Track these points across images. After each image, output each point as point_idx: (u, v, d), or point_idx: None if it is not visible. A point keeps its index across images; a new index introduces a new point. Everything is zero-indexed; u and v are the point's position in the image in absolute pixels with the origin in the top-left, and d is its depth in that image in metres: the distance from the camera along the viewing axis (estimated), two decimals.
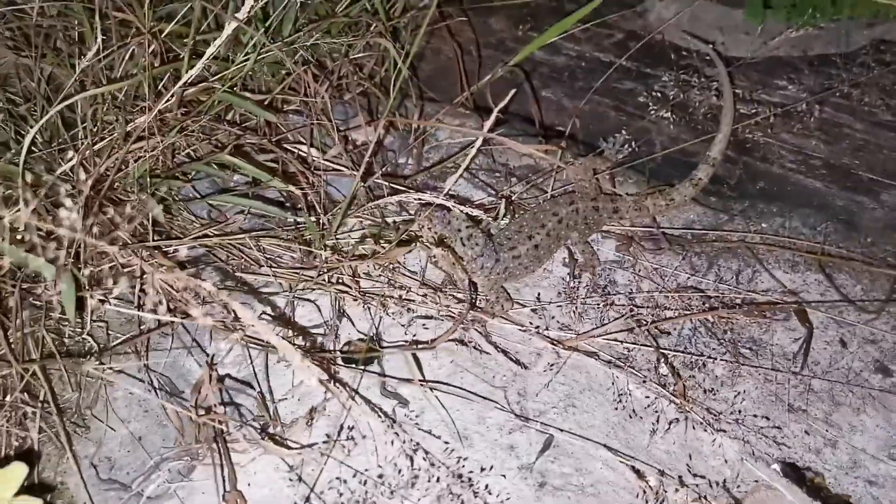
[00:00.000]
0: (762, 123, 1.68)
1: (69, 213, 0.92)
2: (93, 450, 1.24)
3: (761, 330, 1.50)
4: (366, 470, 1.13)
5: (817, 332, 1.49)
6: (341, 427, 1.18)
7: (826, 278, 1.54)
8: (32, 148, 1.34)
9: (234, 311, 1.17)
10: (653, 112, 1.71)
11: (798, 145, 1.67)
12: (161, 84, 1.45)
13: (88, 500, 1.16)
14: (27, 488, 0.95)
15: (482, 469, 1.21)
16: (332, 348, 1.32)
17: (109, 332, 1.32)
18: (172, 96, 1.32)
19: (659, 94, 1.73)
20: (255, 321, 1.10)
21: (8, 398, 1.18)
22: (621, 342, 1.40)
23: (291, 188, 1.40)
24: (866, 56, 1.80)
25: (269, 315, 1.35)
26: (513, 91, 1.30)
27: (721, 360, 1.40)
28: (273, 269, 1.40)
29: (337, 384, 1.21)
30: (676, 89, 1.73)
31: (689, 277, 1.54)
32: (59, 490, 1.19)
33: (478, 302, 1.42)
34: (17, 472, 0.88)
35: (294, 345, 1.28)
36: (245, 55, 1.45)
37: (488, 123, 1.18)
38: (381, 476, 1.13)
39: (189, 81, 1.33)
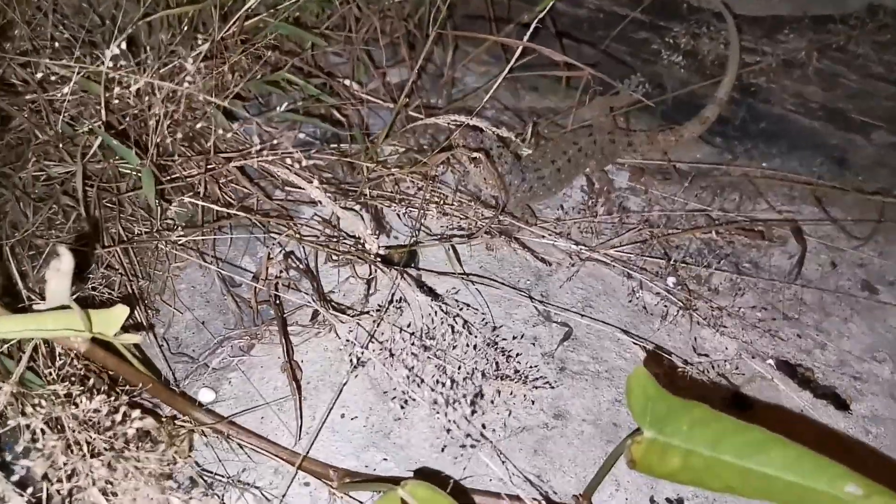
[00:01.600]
0: (765, 70, 1.84)
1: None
2: (162, 330, 1.39)
3: (759, 253, 1.65)
4: (412, 332, 1.29)
5: (811, 255, 1.64)
6: (391, 298, 1.33)
7: (819, 207, 1.70)
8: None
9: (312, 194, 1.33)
10: (665, 58, 1.86)
11: (797, 90, 1.83)
12: (224, 14, 1.59)
13: (166, 367, 1.31)
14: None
15: (511, 350, 1.36)
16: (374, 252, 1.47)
17: (177, 225, 1.46)
18: (235, 22, 1.47)
19: (671, 43, 1.88)
20: (342, 212, 1.26)
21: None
22: (633, 255, 1.55)
23: (337, 107, 1.54)
24: (861, 16, 1.95)
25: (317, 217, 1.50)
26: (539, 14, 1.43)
27: (723, 270, 1.55)
28: (322, 183, 1.54)
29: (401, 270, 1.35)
30: (687, 38, 1.88)
31: (695, 206, 1.69)
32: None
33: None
34: (120, 312, 1.02)
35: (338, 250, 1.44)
36: None
37: (527, 35, 1.33)
38: (428, 335, 1.28)
39: (248, 14, 1.49)
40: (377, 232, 1.51)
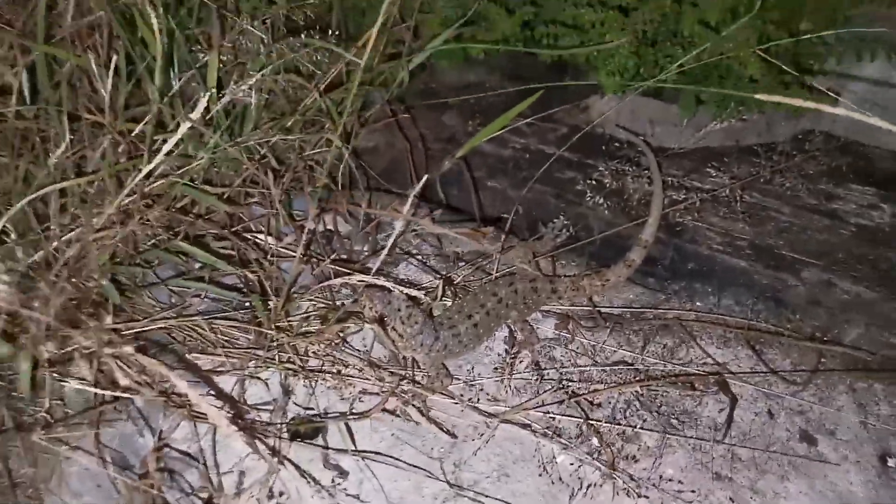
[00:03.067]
0: (691, 208, 1.80)
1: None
2: None
3: (694, 403, 1.57)
4: None
5: (747, 403, 1.56)
6: (271, 491, 1.24)
7: (754, 353, 1.63)
8: (5, 238, 1.45)
9: (176, 386, 1.27)
10: (590, 199, 1.83)
11: (725, 228, 1.79)
12: (128, 180, 1.57)
13: None
14: None
15: None
16: (279, 424, 1.39)
17: (67, 411, 1.40)
18: (134, 188, 1.44)
19: (596, 183, 1.85)
20: (195, 395, 1.19)
21: None
22: (552, 415, 1.47)
23: (240, 270, 1.50)
24: (789, 145, 1.94)
25: (214, 394, 1.43)
26: (425, 177, 1.41)
27: (647, 429, 1.47)
28: (225, 350, 1.48)
29: (281, 458, 1.28)
30: (612, 178, 1.86)
31: (624, 354, 1.62)
32: None
33: (420, 378, 1.50)
34: None
35: (239, 421, 1.37)
36: (210, 152, 1.58)
37: (406, 206, 1.30)
38: None
39: (151, 176, 1.46)
40: (285, 398, 1.45)
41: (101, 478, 1.37)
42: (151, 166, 1.40)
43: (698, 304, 1.73)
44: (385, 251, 1.39)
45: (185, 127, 1.38)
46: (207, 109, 1.57)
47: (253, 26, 1.74)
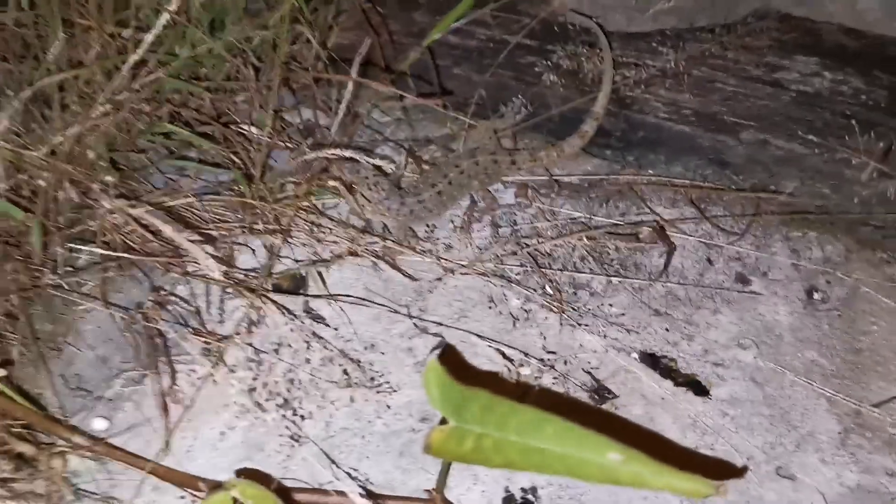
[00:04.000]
0: (640, 82, 1.94)
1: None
2: (64, 367, 1.51)
3: (643, 256, 1.73)
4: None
5: (689, 252, 1.73)
6: (250, 320, 1.44)
7: (696, 208, 1.78)
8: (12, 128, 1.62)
9: (176, 241, 1.46)
10: (547, 80, 1.97)
11: (672, 98, 1.92)
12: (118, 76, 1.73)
13: (58, 403, 1.42)
14: None
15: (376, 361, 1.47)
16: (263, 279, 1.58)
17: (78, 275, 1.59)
18: (125, 81, 1.61)
19: (553, 65, 1.99)
20: (190, 245, 1.38)
21: None
22: (508, 265, 1.64)
23: (224, 150, 1.67)
24: (740, 24, 2.06)
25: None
26: (367, 41, 1.59)
27: (593, 274, 1.65)
28: (215, 223, 1.67)
29: (261, 295, 1.47)
30: (568, 60, 1.99)
31: (579, 216, 1.78)
32: (36, 398, 1.45)
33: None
34: None
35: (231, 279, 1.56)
36: (191, 48, 1.74)
37: (353, 68, 1.46)
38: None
39: (140, 69, 1.63)
40: (269, 259, 1.63)
41: (112, 332, 1.57)
42: (137, 55, 1.56)
43: (650, 171, 1.88)
44: (341, 111, 1.55)
45: (163, 17, 1.54)
46: (187, 4, 1.73)
47: None
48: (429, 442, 1.04)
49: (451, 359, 1.50)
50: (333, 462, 1.34)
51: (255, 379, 1.41)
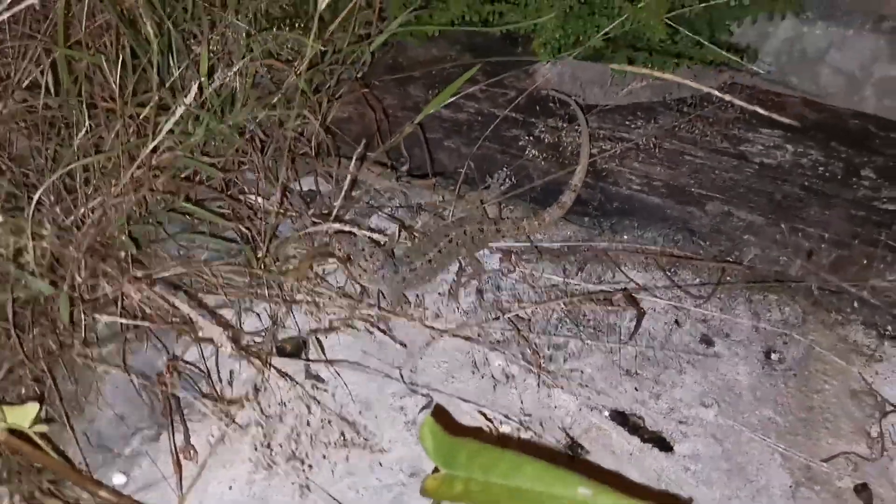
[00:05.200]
0: (615, 156, 2.11)
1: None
2: (86, 426, 1.66)
3: (618, 317, 1.89)
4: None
5: (658, 315, 1.88)
6: (255, 386, 1.60)
7: (664, 273, 1.94)
8: (39, 209, 1.79)
9: (186, 315, 1.62)
10: (530, 153, 2.14)
11: (644, 171, 2.09)
12: (138, 154, 1.90)
13: (82, 459, 1.57)
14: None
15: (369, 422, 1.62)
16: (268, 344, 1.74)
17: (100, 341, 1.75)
18: (143, 161, 1.78)
19: (535, 139, 2.16)
20: (201, 320, 1.54)
21: (23, 390, 1.61)
22: (492, 329, 1.80)
23: (234, 224, 1.84)
24: (711, 96, 2.23)
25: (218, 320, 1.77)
26: (363, 142, 1.76)
27: (568, 336, 1.80)
28: (224, 289, 1.83)
29: (266, 363, 1.63)
30: (549, 134, 2.17)
31: (557, 280, 1.94)
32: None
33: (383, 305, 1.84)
34: (32, 408, 1.30)
35: (235, 341, 1.71)
36: (204, 129, 1.91)
37: (351, 165, 1.62)
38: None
39: (157, 150, 1.80)
40: (274, 326, 1.79)
41: (129, 392, 1.72)
42: (157, 141, 1.73)
43: (625, 237, 2.04)
44: (342, 196, 1.72)
45: (181, 108, 1.71)
46: (201, 93, 1.90)
47: (237, 19, 2.06)
48: (424, 486, 1.19)
49: (440, 416, 1.66)
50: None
51: (264, 437, 1.56)
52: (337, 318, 1.75)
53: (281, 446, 1.57)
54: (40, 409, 1.33)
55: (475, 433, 1.63)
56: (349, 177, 1.82)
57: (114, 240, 1.80)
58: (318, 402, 1.61)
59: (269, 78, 2.14)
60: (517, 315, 1.84)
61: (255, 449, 1.57)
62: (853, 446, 1.66)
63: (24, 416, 1.29)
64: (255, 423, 1.58)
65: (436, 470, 1.21)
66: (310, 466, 1.56)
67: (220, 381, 1.69)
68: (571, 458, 1.59)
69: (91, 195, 1.81)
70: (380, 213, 2.08)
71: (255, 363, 1.62)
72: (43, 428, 1.31)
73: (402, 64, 2.41)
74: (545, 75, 2.31)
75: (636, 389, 1.74)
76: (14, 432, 1.31)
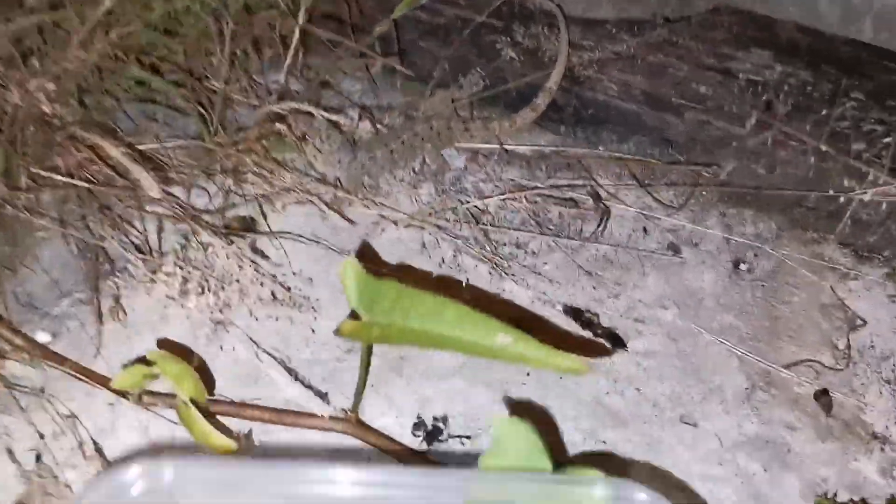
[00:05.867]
0: (595, 63, 2.02)
1: None
2: (16, 286, 1.59)
3: (584, 223, 1.81)
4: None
5: (626, 222, 1.80)
6: (185, 237, 1.53)
7: (635, 180, 1.86)
8: None
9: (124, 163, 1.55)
10: (507, 56, 2.05)
11: (623, 80, 2.00)
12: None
13: (5, 312, 1.50)
14: None
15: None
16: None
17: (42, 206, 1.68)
18: (98, 26, 1.71)
19: (514, 43, 2.08)
20: (129, 163, 1.47)
21: None
22: (448, 219, 1.72)
23: (185, 94, 1.77)
24: (702, 16, 2.14)
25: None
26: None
27: (526, 231, 1.72)
28: (176, 167, 1.76)
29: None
30: (529, 40, 2.08)
31: (524, 183, 1.86)
32: None
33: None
34: None
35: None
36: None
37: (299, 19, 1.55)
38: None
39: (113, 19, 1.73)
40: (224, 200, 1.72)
41: (67, 258, 1.65)
42: (108, 3, 1.66)
43: (600, 147, 1.96)
44: (286, 66, 1.65)
45: None
46: None
47: None
48: (339, 328, 1.12)
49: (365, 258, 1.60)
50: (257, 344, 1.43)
51: (185, 282, 1.49)
52: (287, 191, 1.68)
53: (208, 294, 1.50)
54: None
55: (423, 281, 1.56)
56: (295, 38, 1.74)
57: (63, 104, 1.73)
58: (257, 266, 1.53)
59: None
60: (477, 208, 1.76)
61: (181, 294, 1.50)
62: (817, 356, 1.58)
63: None
64: (181, 277, 1.50)
65: (354, 315, 1.14)
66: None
67: (159, 247, 1.61)
68: None
69: (43, 58, 1.74)
70: (350, 109, 2.01)
71: (193, 226, 1.54)
72: None
73: None
74: None
75: (594, 288, 1.66)
76: None
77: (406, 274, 1.63)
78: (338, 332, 1.12)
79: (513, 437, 1.05)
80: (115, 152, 1.49)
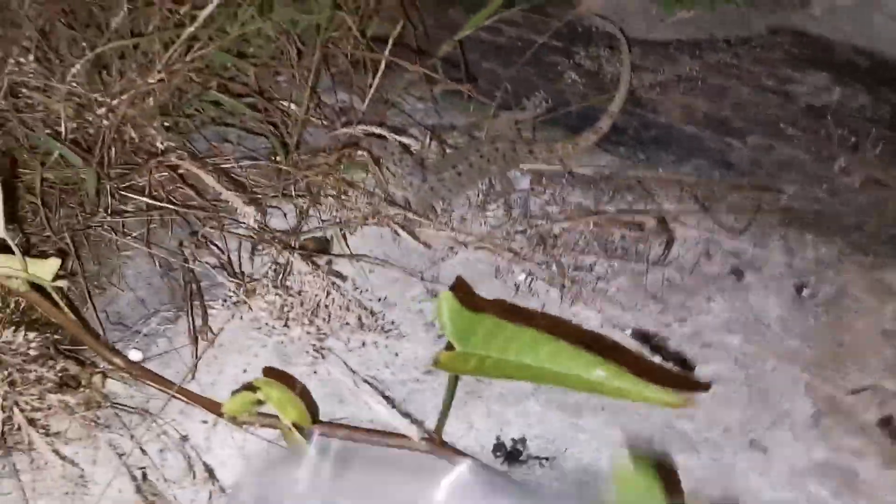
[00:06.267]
0: (656, 86, 2.06)
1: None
2: (106, 305, 1.66)
3: (647, 245, 1.84)
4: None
5: (689, 245, 1.83)
6: (277, 265, 1.58)
7: (699, 204, 1.90)
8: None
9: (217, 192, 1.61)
10: (569, 79, 2.10)
11: (685, 103, 2.04)
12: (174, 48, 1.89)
13: (101, 331, 1.57)
14: None
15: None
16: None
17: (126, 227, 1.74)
18: (178, 52, 1.77)
19: (576, 65, 2.12)
20: (232, 196, 1.53)
21: None
22: (517, 243, 1.77)
23: (260, 117, 1.82)
24: (760, 38, 2.17)
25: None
26: (401, 23, 1.84)
27: (597, 258, 1.77)
28: (252, 186, 1.82)
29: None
30: (591, 61, 2.12)
31: (589, 205, 1.90)
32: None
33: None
34: (54, 262, 1.30)
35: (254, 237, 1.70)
36: (239, 26, 1.89)
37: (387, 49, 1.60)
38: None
39: (193, 43, 1.79)
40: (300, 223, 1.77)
41: (152, 277, 1.71)
42: (192, 29, 1.72)
43: (661, 169, 2.00)
44: (370, 94, 1.70)
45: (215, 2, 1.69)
46: None
47: None
48: (438, 359, 1.17)
49: (461, 291, 1.66)
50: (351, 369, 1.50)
51: (282, 308, 1.54)
52: (362, 215, 1.73)
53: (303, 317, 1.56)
54: (62, 263, 1.33)
55: (495, 307, 1.61)
56: (379, 72, 1.79)
57: (146, 128, 1.79)
58: (339, 289, 1.58)
59: None
60: (545, 233, 1.80)
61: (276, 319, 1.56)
62: (881, 381, 1.61)
63: (46, 269, 1.29)
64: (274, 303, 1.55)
65: (450, 347, 1.19)
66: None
67: (241, 268, 1.67)
68: None
69: (125, 84, 1.81)
70: (413, 128, 2.06)
71: (278, 249, 1.60)
72: (63, 283, 1.31)
73: None
74: (588, 4, 2.27)
75: (661, 313, 1.70)
76: (35, 288, 1.31)
77: (484, 302, 1.67)
78: (435, 363, 1.17)
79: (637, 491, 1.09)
80: (208, 178, 1.54)
